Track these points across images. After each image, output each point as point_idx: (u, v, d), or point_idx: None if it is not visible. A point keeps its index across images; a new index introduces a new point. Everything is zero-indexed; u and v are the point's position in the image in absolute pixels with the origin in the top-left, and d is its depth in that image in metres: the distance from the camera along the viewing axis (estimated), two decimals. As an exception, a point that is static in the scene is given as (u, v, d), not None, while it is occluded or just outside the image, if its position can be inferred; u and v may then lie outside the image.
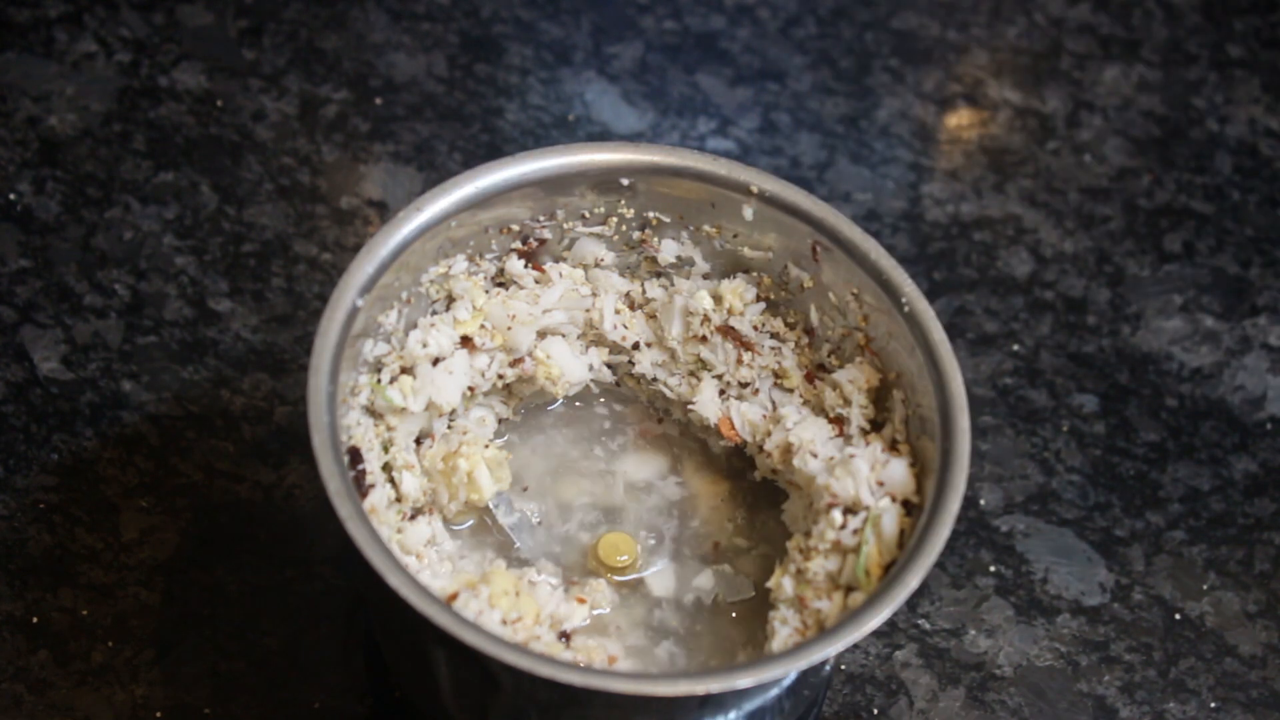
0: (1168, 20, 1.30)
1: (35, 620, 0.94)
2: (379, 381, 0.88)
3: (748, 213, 0.92)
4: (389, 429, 0.88)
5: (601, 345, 0.95)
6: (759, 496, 0.95)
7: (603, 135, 1.18)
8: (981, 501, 1.05)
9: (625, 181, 0.92)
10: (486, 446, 0.90)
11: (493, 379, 0.92)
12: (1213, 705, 0.99)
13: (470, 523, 0.92)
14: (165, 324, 1.05)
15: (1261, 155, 1.23)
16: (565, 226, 0.93)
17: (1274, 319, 1.15)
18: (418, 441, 0.90)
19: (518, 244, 0.93)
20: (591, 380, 0.95)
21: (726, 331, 0.93)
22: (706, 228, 0.93)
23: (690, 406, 0.94)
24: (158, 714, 0.92)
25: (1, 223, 1.08)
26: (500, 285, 0.93)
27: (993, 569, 1.02)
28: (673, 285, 0.95)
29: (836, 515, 0.86)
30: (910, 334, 0.87)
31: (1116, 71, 1.27)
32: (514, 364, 0.93)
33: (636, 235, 0.94)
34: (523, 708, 0.83)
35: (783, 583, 0.87)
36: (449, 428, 0.91)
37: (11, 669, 0.92)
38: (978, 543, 1.03)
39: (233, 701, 0.92)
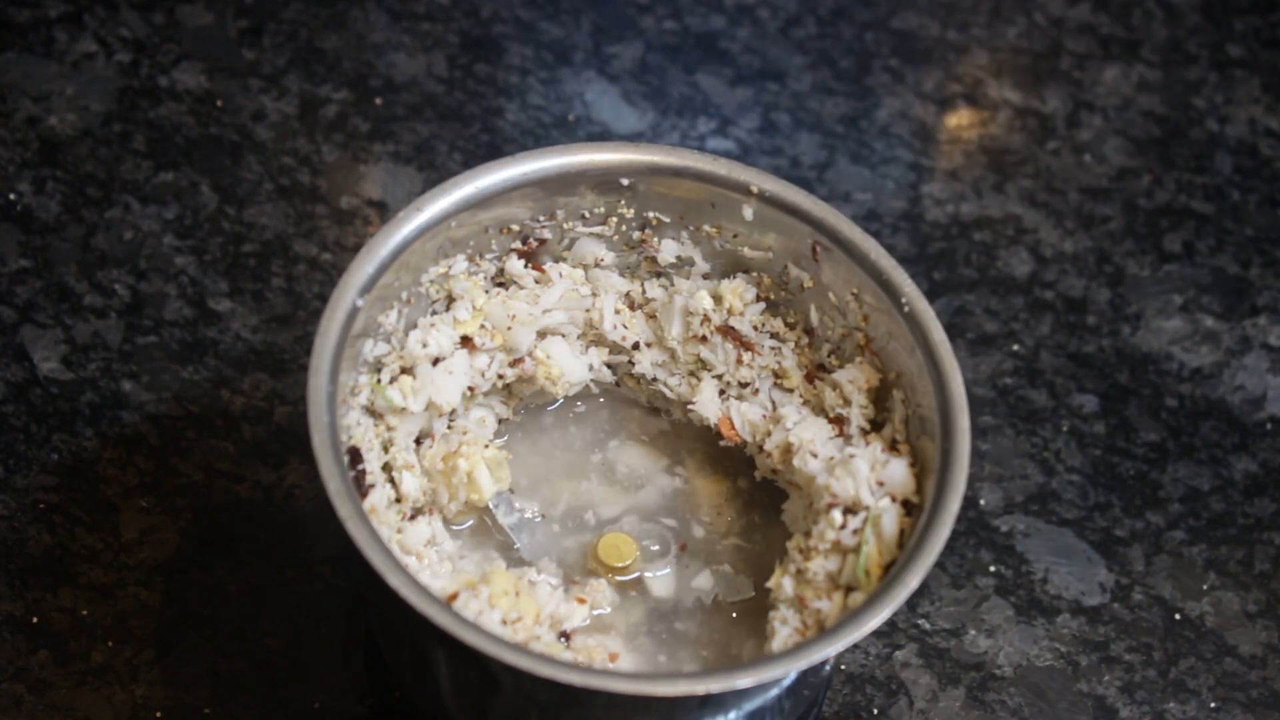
0: (1168, 20, 1.30)
1: (35, 620, 0.94)
2: (379, 381, 0.88)
3: (748, 213, 0.92)
4: (389, 429, 0.88)
5: (601, 345, 0.95)
6: (759, 496, 0.94)
7: (603, 135, 1.18)
8: (981, 501, 1.05)
9: (625, 181, 0.92)
10: (486, 446, 0.90)
11: (493, 379, 0.92)
12: (1213, 705, 0.99)
13: (470, 523, 0.92)
14: (165, 324, 1.05)
15: (1261, 155, 1.23)
16: (565, 226, 0.93)
17: (1274, 319, 1.15)
18: (418, 441, 0.90)
19: (518, 244, 0.93)
20: (591, 380, 0.95)
21: (726, 331, 0.93)
22: (706, 228, 0.93)
23: (690, 406, 0.94)
24: (158, 714, 0.92)
25: (1, 223, 1.08)
26: (500, 285, 0.93)
27: (993, 569, 1.02)
28: (673, 285, 0.95)
29: (836, 515, 0.86)
30: (910, 334, 0.87)
31: (1116, 71, 1.27)
32: (514, 364, 0.93)
33: (636, 235, 0.94)
34: (523, 708, 0.83)
35: (783, 583, 0.87)
36: (449, 428, 0.91)
37: (11, 669, 0.92)
38: (978, 543, 1.03)
39: (233, 701, 0.92)
